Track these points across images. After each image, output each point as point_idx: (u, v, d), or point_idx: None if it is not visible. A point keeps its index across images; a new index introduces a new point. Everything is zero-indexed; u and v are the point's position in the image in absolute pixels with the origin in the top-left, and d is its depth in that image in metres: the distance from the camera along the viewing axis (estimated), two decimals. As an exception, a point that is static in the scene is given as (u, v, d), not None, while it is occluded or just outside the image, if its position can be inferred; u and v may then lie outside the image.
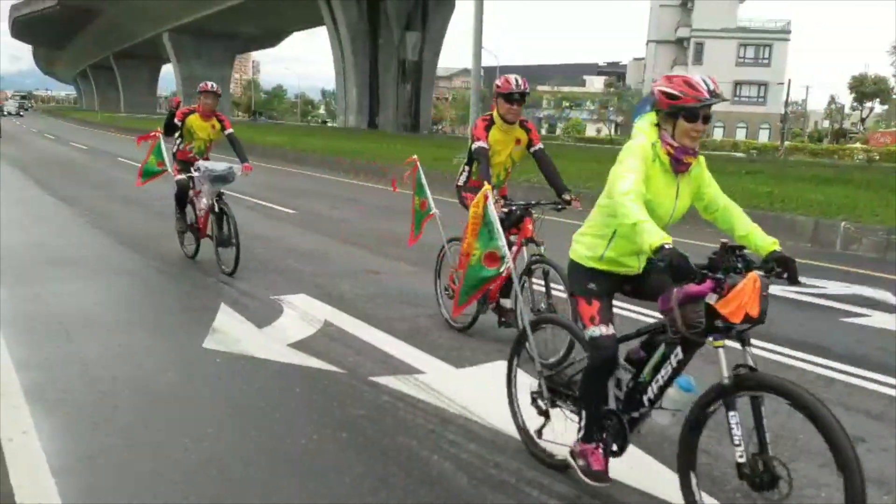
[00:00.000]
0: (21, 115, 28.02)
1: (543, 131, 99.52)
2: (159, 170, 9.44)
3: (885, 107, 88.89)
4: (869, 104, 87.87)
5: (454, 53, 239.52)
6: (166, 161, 9.27)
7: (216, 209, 8.55)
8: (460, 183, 6.57)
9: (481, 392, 5.01)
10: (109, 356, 5.53)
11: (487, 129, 6.12)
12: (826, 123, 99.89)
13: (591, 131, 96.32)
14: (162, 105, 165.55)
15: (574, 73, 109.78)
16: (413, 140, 41.37)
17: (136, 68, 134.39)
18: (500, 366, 5.56)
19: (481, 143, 6.02)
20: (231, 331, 6.24)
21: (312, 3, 67.05)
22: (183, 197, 9.12)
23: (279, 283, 8.04)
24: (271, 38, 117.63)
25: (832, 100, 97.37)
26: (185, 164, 9.03)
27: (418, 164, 6.82)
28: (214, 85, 9.17)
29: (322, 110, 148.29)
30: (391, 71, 66.07)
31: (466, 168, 6.53)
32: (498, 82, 6.11)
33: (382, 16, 64.16)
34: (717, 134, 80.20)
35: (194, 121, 8.91)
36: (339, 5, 63.25)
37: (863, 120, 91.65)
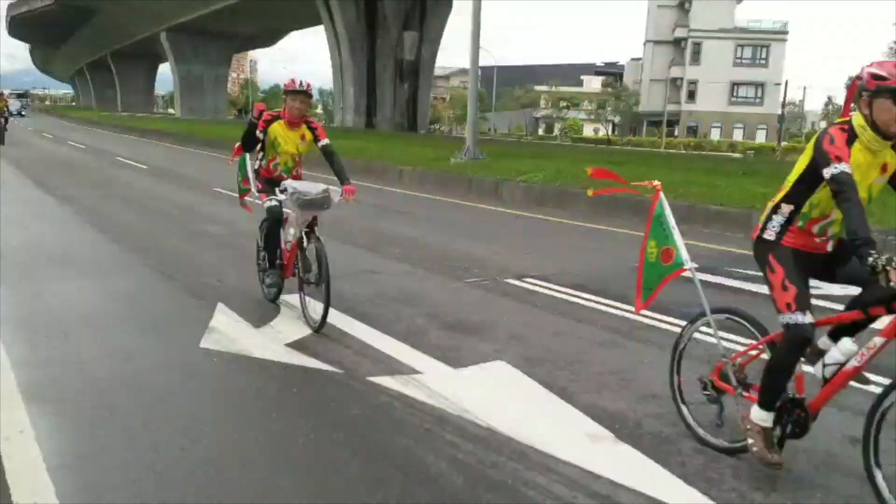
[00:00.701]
0: (23, 115, 27.64)
1: (541, 131, 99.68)
2: (245, 188, 7.62)
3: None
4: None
5: (452, 53, 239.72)
6: (250, 178, 7.40)
7: (305, 243, 6.71)
8: (771, 236, 4.00)
9: (478, 392, 5.02)
10: (107, 355, 5.53)
11: (849, 143, 3.64)
12: (823, 124, 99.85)
13: (588, 131, 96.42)
14: (159, 104, 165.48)
15: (571, 73, 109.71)
16: (411, 139, 41.37)
17: (134, 67, 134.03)
18: (497, 366, 5.58)
19: (844, 167, 3.51)
20: (228, 330, 6.25)
21: (310, 2, 66.98)
22: (275, 229, 7.02)
23: (276, 283, 8.03)
24: (269, 37, 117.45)
25: (829, 100, 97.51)
26: (271, 183, 7.00)
27: (661, 192, 4.53)
28: (305, 82, 6.88)
29: (319, 109, 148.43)
30: (389, 71, 66.00)
31: (784, 209, 3.92)
32: (878, 70, 3.54)
33: (380, 15, 64.07)
34: (715, 134, 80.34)
35: (279, 130, 6.89)
36: (336, 5, 63.16)
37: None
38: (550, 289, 8.18)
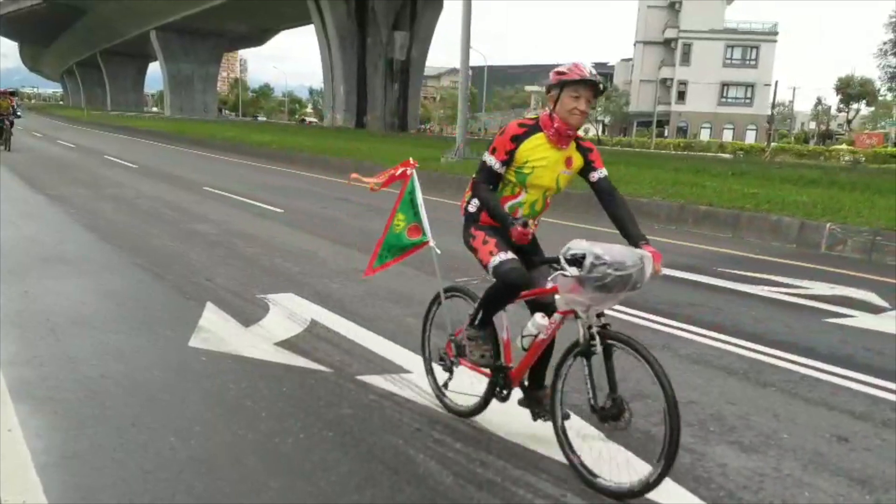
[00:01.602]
0: (19, 116, 27.07)
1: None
2: (413, 242, 4.79)
3: (871, 108, 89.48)
4: (855, 106, 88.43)
5: (442, 53, 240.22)
6: (425, 226, 4.70)
7: (595, 346, 3.73)
8: None
9: (468, 391, 5.03)
10: (97, 354, 5.52)
11: None
12: (812, 125, 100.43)
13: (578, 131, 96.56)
14: (148, 103, 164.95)
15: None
16: (401, 139, 41.45)
17: (123, 66, 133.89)
18: (487, 365, 5.59)
19: None
20: (217, 329, 6.23)
21: (300, 1, 66.97)
22: (509, 296, 4.15)
23: (266, 282, 8.03)
24: (258, 36, 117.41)
25: (819, 101, 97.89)
26: (500, 234, 4.08)
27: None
28: (591, 68, 4.03)
29: (309, 109, 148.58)
30: (379, 70, 66.05)
31: None
32: None
33: (370, 15, 64.12)
34: (705, 135, 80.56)
35: (536, 148, 4.05)
36: (327, 5, 63.22)
37: (849, 121, 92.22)
38: (540, 288, 8.18)
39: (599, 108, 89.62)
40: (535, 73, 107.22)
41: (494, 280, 4.10)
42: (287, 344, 5.92)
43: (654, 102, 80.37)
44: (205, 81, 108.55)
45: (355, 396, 4.88)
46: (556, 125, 4.01)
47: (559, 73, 4.01)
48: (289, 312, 6.80)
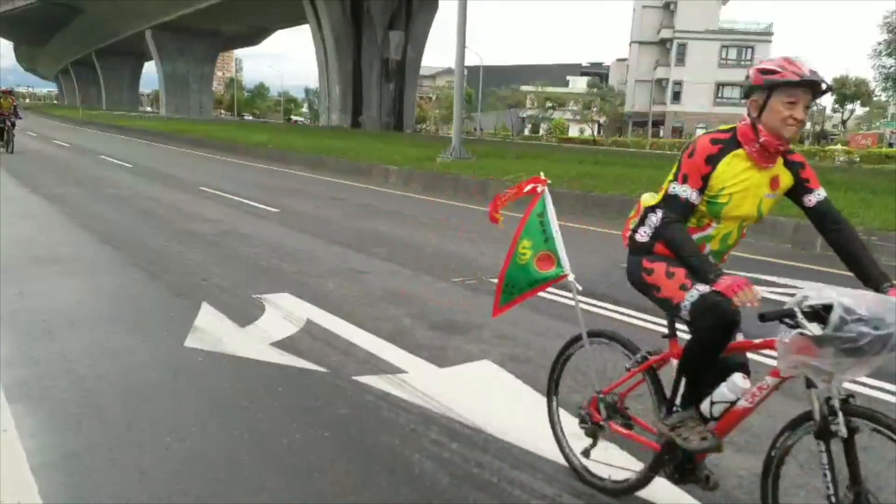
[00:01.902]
0: (20, 117, 26.72)
1: (527, 132, 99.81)
2: (545, 276, 3.73)
3: (866, 109, 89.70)
4: (850, 106, 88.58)
5: (438, 52, 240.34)
6: (561, 255, 3.69)
7: (831, 426, 2.97)
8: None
9: (464, 392, 5.03)
10: (92, 354, 5.51)
11: None
12: (808, 125, 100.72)
13: (573, 132, 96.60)
14: (143, 103, 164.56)
15: (557, 73, 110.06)
16: (397, 139, 41.38)
17: (119, 65, 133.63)
18: (483, 366, 5.59)
19: None
20: (213, 329, 6.23)
21: (296, 1, 66.89)
22: (720, 344, 3.14)
23: (262, 282, 8.02)
24: (254, 35, 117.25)
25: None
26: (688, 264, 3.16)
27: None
28: (804, 63, 2.98)
29: (305, 109, 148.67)
30: (375, 70, 66.01)
31: None
32: None
33: (366, 15, 64.09)
34: (700, 135, 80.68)
35: (737, 169, 3.16)
36: (322, 5, 63.11)
37: (844, 122, 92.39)
38: (536, 288, 8.18)
39: (595, 109, 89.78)
40: (530, 72, 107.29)
41: (693, 325, 3.18)
42: (283, 344, 5.91)
43: (649, 102, 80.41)
44: (200, 81, 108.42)
45: (352, 397, 4.88)
46: (762, 139, 3.08)
47: (766, 73, 2.99)
48: (285, 312, 6.80)
